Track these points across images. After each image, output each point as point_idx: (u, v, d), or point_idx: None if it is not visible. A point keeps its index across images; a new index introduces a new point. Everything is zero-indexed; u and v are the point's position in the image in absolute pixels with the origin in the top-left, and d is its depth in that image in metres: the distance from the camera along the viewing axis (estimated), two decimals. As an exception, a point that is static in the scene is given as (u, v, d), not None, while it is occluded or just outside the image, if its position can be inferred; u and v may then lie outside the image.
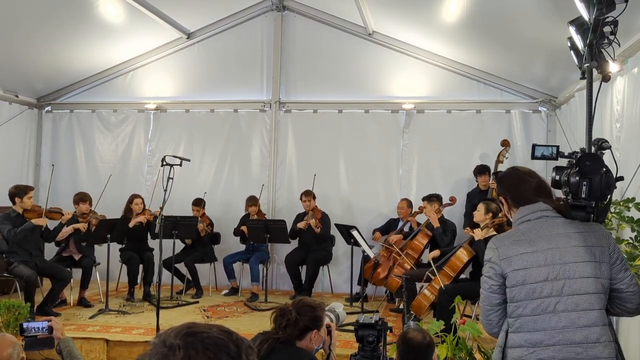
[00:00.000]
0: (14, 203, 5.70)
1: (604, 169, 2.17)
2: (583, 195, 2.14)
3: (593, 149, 2.28)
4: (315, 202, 6.77)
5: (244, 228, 6.79)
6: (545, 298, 2.05)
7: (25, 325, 2.66)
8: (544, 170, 6.65)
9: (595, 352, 2.00)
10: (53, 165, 7.08)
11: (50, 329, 2.65)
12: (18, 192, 5.69)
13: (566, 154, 2.36)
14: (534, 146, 2.41)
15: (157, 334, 0.98)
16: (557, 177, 2.30)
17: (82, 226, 6.04)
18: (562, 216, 2.17)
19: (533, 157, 2.41)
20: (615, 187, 2.25)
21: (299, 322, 2.47)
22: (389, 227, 6.73)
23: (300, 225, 6.66)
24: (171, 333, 0.94)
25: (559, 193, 2.34)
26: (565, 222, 2.15)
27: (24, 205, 5.69)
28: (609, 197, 2.21)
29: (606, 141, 2.26)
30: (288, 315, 2.48)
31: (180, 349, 0.91)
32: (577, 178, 2.17)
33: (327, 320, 2.67)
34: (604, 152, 2.24)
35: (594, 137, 2.38)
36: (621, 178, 2.27)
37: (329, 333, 2.64)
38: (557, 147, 2.40)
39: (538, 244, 2.11)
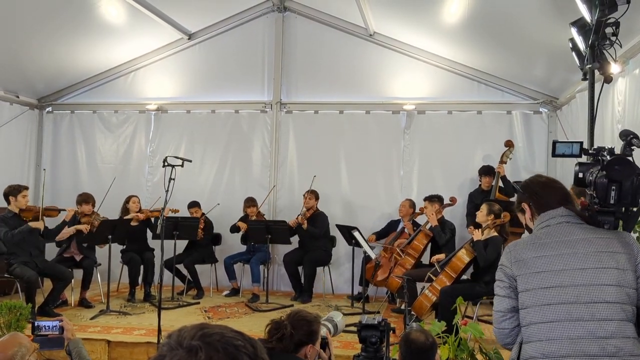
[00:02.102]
0: (8, 203, 5.67)
1: (638, 172, 1.95)
2: (612, 201, 1.95)
3: (620, 145, 2.03)
4: (315, 203, 6.77)
5: (240, 224, 6.78)
6: (559, 304, 1.90)
7: (37, 323, 2.64)
8: (545, 172, 6.69)
9: None
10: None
11: (61, 329, 2.64)
12: (11, 191, 5.65)
13: (590, 150, 2.13)
14: (554, 143, 2.20)
15: (166, 336, 0.96)
16: (581, 175, 2.11)
17: (84, 227, 6.04)
18: (585, 223, 2.02)
19: (554, 154, 2.20)
20: None
21: (294, 336, 2.38)
22: (389, 229, 6.72)
23: (290, 223, 6.63)
24: (186, 335, 0.93)
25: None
26: (587, 228, 2.00)
27: (19, 205, 5.66)
28: None
29: (637, 137, 2.01)
30: (283, 329, 2.38)
31: (202, 350, 0.90)
32: (605, 181, 1.96)
33: (324, 331, 2.59)
34: (633, 148, 2.00)
35: (620, 130, 2.09)
36: None
37: (327, 345, 2.56)
38: (581, 143, 2.16)
39: (555, 248, 1.96)
